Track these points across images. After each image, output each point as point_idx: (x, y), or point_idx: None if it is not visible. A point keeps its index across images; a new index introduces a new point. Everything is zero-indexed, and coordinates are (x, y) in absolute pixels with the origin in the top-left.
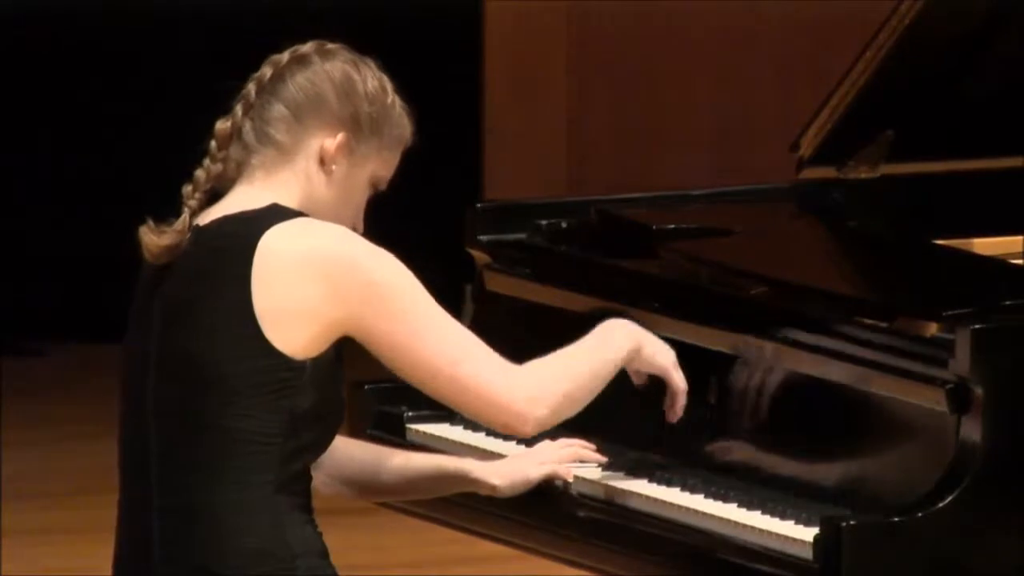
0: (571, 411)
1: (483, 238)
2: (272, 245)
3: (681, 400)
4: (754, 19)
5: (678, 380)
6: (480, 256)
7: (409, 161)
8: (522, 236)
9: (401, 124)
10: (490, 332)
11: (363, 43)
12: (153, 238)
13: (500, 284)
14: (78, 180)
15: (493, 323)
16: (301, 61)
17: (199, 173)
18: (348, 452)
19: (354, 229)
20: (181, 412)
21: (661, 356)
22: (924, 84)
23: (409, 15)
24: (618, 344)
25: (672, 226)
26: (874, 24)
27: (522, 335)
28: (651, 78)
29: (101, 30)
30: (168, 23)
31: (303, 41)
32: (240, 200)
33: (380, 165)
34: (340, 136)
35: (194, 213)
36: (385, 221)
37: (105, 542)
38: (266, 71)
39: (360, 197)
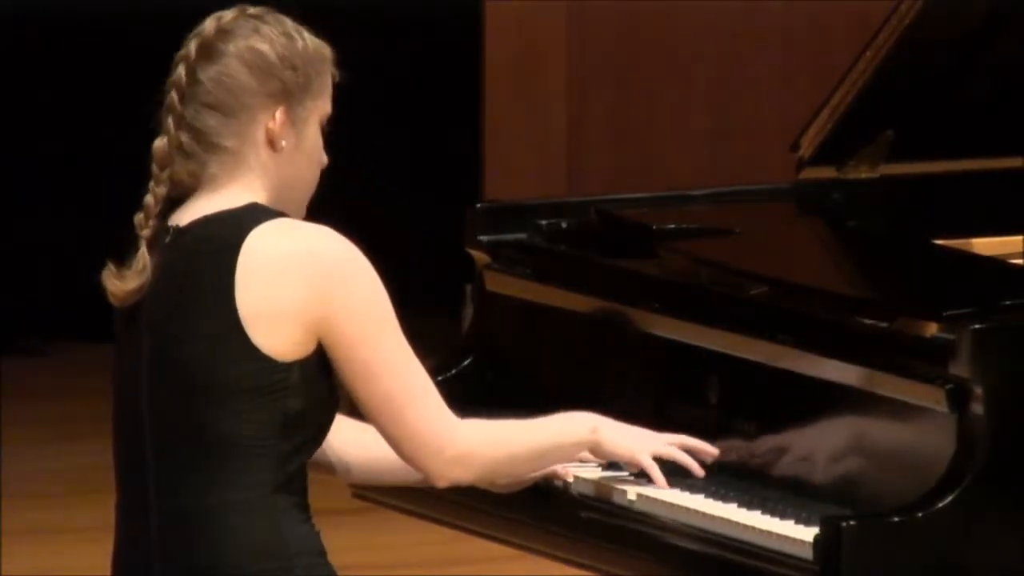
0: (497, 479)
1: (483, 238)
2: (254, 248)
3: (656, 477)
4: (754, 19)
5: (647, 464)
6: (480, 256)
7: (409, 161)
8: (522, 236)
9: (319, 57)
10: (490, 332)
11: (363, 43)
12: (117, 283)
13: (500, 284)
14: (78, 180)
15: (493, 323)
16: (207, 53)
17: (148, 199)
18: (343, 434)
19: (322, 165)
20: (175, 416)
21: (623, 445)
22: (924, 84)
23: (409, 15)
24: (573, 431)
25: (672, 226)
26: (874, 24)
27: (522, 335)
28: (651, 78)
29: (103, 30)
30: (169, 22)
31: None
32: (215, 201)
33: (321, 108)
34: (279, 113)
35: (150, 243)
36: (386, 221)
37: (105, 542)
38: (180, 72)
39: (317, 145)
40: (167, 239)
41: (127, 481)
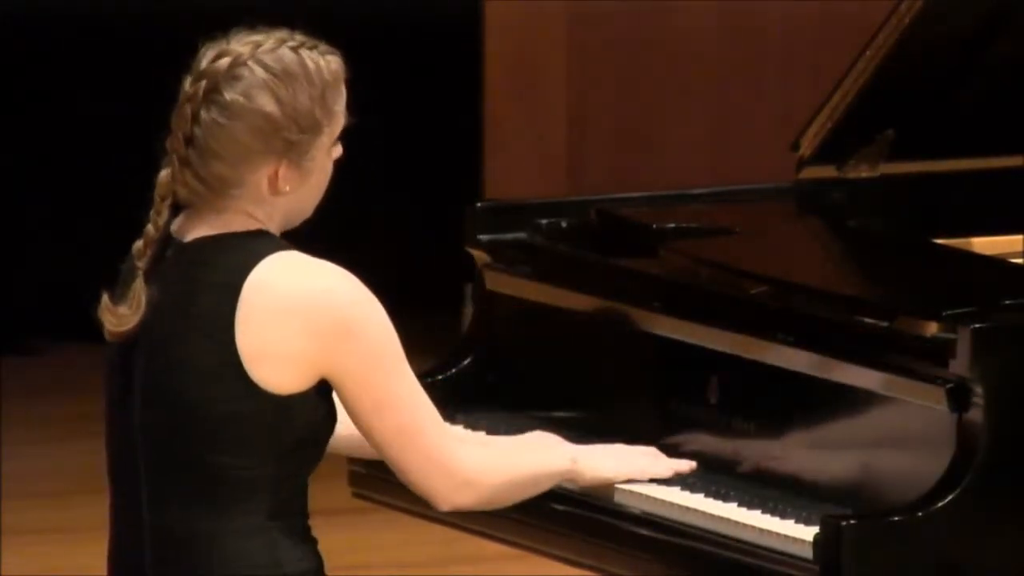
0: (495, 506)
1: (483, 238)
2: (257, 286)
3: (655, 472)
4: (754, 19)
5: (640, 475)
6: (480, 256)
7: (409, 161)
8: (522, 236)
9: (329, 88)
10: (490, 332)
11: (363, 43)
12: (113, 320)
13: (500, 284)
14: (78, 180)
15: (493, 323)
16: (211, 101)
17: (149, 229)
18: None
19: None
20: (168, 442)
21: (602, 471)
22: (924, 84)
23: (409, 15)
24: (556, 462)
25: (672, 226)
26: (874, 24)
27: (522, 335)
28: (651, 78)
29: (105, 29)
30: (170, 22)
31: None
32: (219, 221)
33: (332, 136)
34: (281, 169)
35: (147, 274)
36: (386, 221)
37: (105, 542)
38: (186, 113)
39: (325, 170)
40: (168, 252)
41: (120, 488)
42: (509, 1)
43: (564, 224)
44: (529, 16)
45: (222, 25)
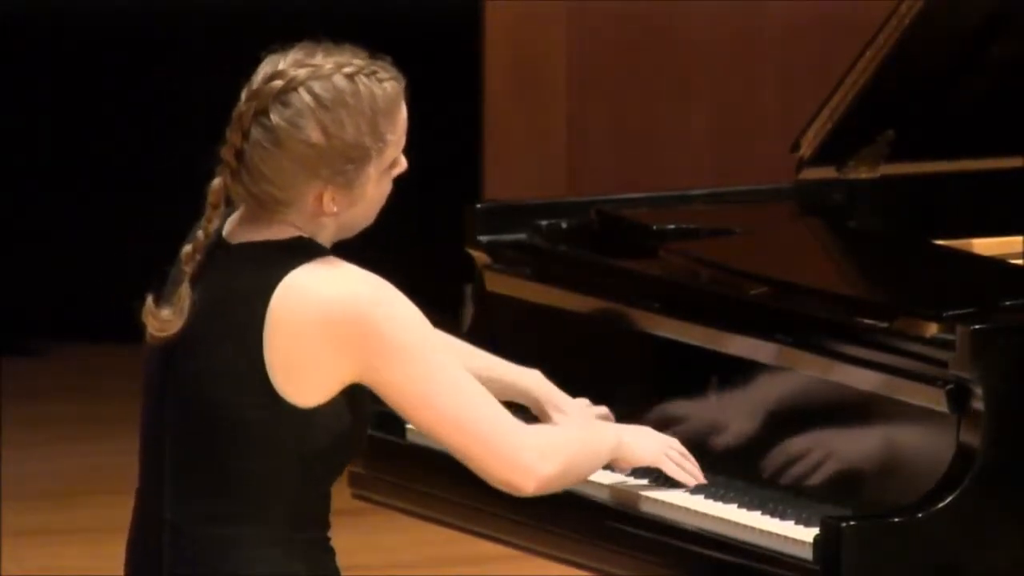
0: (566, 483)
1: (483, 238)
2: (286, 296)
3: (682, 477)
4: (754, 19)
5: (672, 471)
6: (480, 256)
7: (409, 161)
8: (522, 236)
9: (383, 115)
10: (490, 332)
11: (363, 43)
12: (155, 324)
13: (500, 284)
14: (80, 179)
15: (493, 323)
16: (261, 123)
17: (199, 235)
18: None
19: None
20: (192, 444)
21: (647, 452)
22: (924, 84)
23: (409, 15)
24: (604, 437)
25: (672, 226)
26: (874, 24)
27: (522, 335)
28: (651, 78)
29: (106, 28)
30: (171, 20)
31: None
32: (267, 229)
33: (383, 164)
34: (327, 192)
35: (193, 279)
36: (386, 222)
37: (105, 542)
38: (237, 131)
39: (380, 192)
40: (218, 253)
41: (146, 484)
42: (509, 1)
43: (564, 225)
44: (529, 16)
45: (226, 25)
